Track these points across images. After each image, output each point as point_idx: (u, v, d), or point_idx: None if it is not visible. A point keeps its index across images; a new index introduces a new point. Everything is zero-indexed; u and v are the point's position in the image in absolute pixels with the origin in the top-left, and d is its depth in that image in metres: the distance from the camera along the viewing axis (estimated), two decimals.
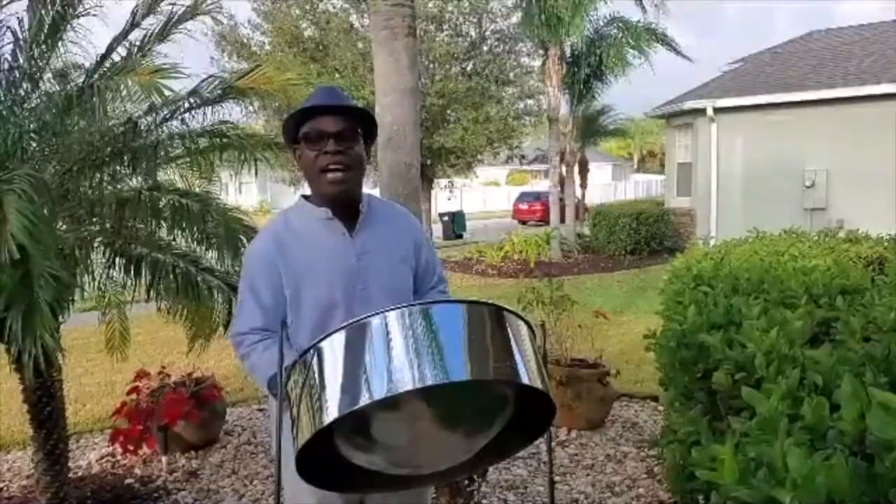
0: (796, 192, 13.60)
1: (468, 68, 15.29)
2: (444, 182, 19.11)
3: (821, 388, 1.61)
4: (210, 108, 3.29)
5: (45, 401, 3.20)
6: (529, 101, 16.01)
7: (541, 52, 15.00)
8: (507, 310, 1.52)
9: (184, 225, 3.23)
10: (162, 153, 3.21)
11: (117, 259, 3.37)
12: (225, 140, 3.38)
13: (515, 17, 15.21)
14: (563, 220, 15.65)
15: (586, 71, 15.46)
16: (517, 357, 1.45)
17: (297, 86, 3.45)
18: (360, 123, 1.93)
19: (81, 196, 3.30)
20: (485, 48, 15.66)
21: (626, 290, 10.28)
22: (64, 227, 3.28)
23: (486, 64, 14.72)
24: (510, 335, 1.47)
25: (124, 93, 2.84)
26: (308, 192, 2.07)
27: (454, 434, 1.62)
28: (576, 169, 17.65)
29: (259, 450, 4.33)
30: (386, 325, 1.41)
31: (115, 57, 3.39)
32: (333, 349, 1.44)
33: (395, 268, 1.99)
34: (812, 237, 4.53)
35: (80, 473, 4.07)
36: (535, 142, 27.18)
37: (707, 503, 2.02)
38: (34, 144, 3.25)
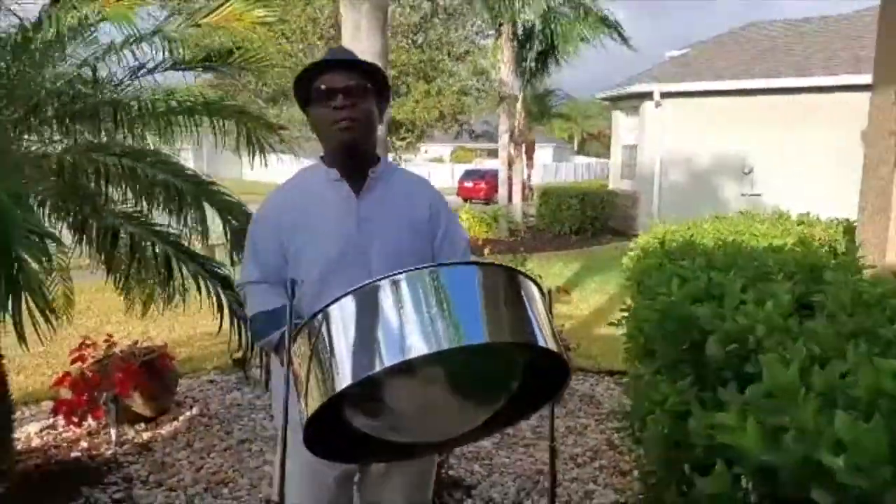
0: (735, 177, 14.08)
1: (419, 41, 15.08)
2: (389, 157, 18.89)
3: (818, 358, 1.63)
4: (174, 61, 3.09)
5: None
6: (481, 77, 15.92)
7: (491, 31, 14.95)
8: (520, 273, 1.48)
9: (137, 188, 3.03)
10: (123, 112, 2.99)
11: (59, 221, 3.14)
12: (188, 102, 3.19)
13: None
14: (510, 199, 15.74)
15: (538, 49, 15.48)
16: (532, 320, 1.41)
17: (269, 24, 3.26)
18: (371, 80, 1.88)
19: (27, 151, 3.08)
20: (436, 21, 15.46)
21: (573, 269, 10.42)
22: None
23: (438, 37, 14.54)
24: (524, 298, 1.43)
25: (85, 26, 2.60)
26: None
27: (466, 401, 1.57)
28: (523, 149, 17.75)
29: (214, 422, 4.19)
30: (397, 287, 1.35)
31: None
32: (343, 314, 1.37)
33: (399, 234, 1.92)
34: (765, 219, 4.66)
35: (18, 447, 3.86)
36: (484, 118, 27.18)
37: (694, 471, 2.06)
38: None
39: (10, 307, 2.04)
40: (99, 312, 7.34)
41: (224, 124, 3.47)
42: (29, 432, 4.10)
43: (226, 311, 3.40)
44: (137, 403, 4.12)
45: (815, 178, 12.92)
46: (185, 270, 3.33)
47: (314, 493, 1.99)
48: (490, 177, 27.43)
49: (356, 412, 1.53)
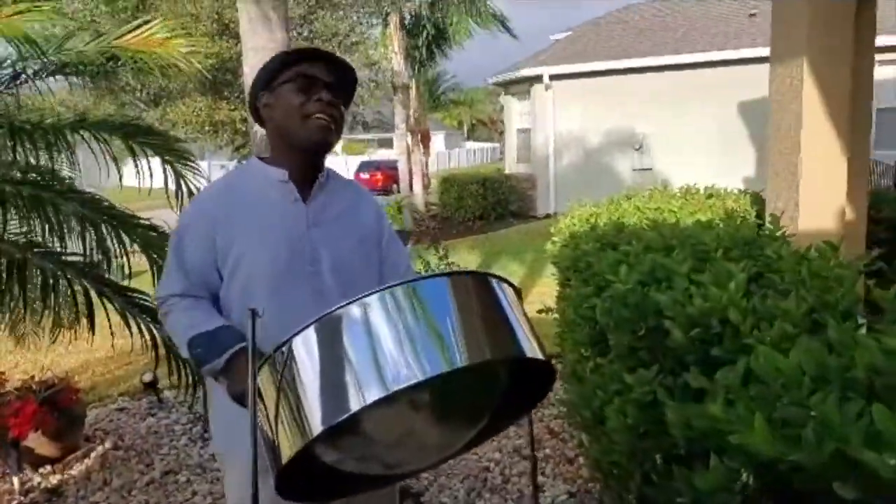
0: (626, 154, 14.63)
1: (306, 34, 14.64)
2: None
3: (793, 337, 1.63)
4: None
5: None
6: (372, 68, 15.67)
7: (376, 20, 14.74)
8: (494, 276, 1.38)
9: (43, 219, 2.69)
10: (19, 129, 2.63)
11: None
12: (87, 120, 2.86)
13: None
14: (410, 188, 15.63)
15: (427, 36, 15.42)
16: (515, 328, 1.32)
17: (195, 54, 3.00)
18: (350, 87, 1.74)
19: None
20: (322, 12, 15.05)
21: (480, 255, 10.48)
22: None
23: (325, 28, 14.17)
24: (503, 304, 1.34)
25: None
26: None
27: (447, 422, 1.46)
28: (419, 137, 17.67)
29: (131, 454, 3.86)
30: (367, 312, 1.21)
31: None
32: (308, 345, 1.22)
33: (350, 247, 1.76)
34: (675, 194, 4.78)
35: None
36: (374, 109, 26.84)
37: (669, 463, 2.04)
38: None
39: None
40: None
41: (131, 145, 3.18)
42: None
43: (152, 338, 3.12)
44: (41, 444, 3.72)
45: (700, 149, 13.67)
46: (108, 306, 3.02)
47: None
48: (385, 167, 27.26)
49: (326, 448, 1.38)
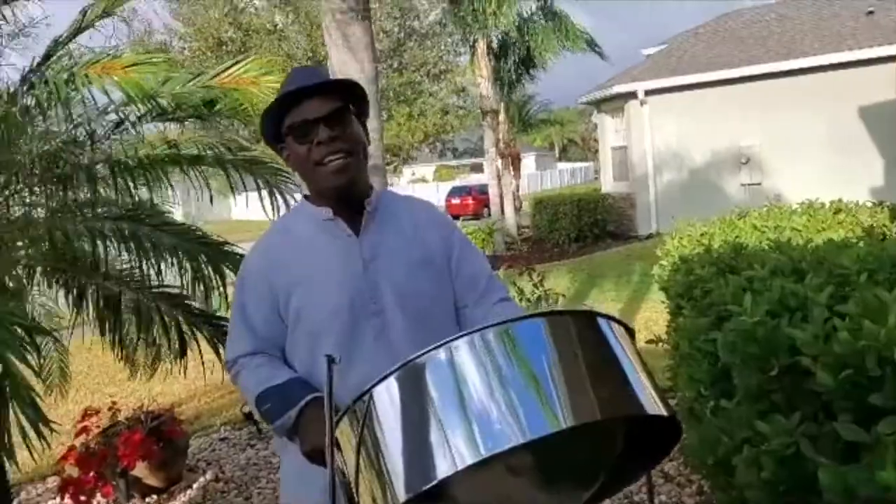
0: (732, 168, 13.90)
1: (395, 65, 14.94)
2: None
3: None
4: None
5: None
6: (460, 95, 15.80)
7: (463, 48, 14.86)
8: (600, 314, 1.18)
9: (139, 253, 2.74)
10: (119, 167, 2.70)
11: (58, 287, 2.85)
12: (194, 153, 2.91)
13: (434, 15, 14.99)
14: (502, 212, 15.50)
15: (515, 59, 15.35)
16: (632, 379, 1.12)
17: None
18: (351, 99, 1.57)
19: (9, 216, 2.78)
20: (410, 44, 15.33)
21: (578, 279, 10.16)
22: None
23: (414, 59, 14.41)
24: (613, 348, 1.15)
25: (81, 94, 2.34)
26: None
27: (552, 487, 1.28)
28: (509, 160, 17.56)
29: (230, 486, 3.87)
30: (453, 358, 1.05)
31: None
32: (391, 397, 1.08)
33: (413, 273, 1.59)
34: (796, 210, 4.39)
35: None
36: (464, 135, 27.07)
37: None
38: None
39: None
40: (100, 371, 7.00)
41: (238, 173, 3.21)
42: None
43: None
44: (147, 474, 3.80)
45: (814, 160, 12.79)
46: (199, 336, 3.04)
47: None
48: (476, 192, 27.25)
49: None
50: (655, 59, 16.33)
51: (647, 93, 14.27)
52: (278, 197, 3.17)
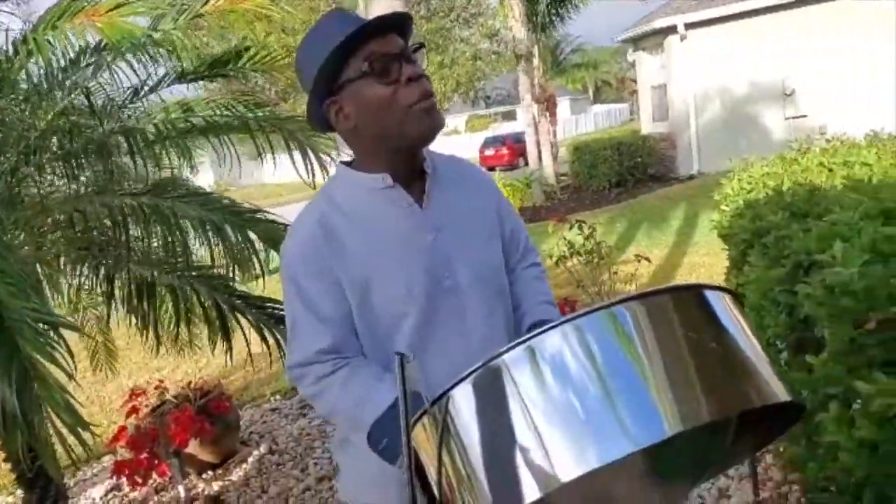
0: (775, 102, 13.29)
1: (422, 12, 14.49)
2: None
3: None
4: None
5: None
6: (493, 39, 15.29)
7: None
8: (709, 286, 0.99)
9: (164, 230, 2.58)
10: (137, 139, 2.55)
11: (88, 274, 2.75)
12: (222, 117, 2.74)
13: None
14: (539, 160, 15.12)
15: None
16: (753, 359, 0.94)
17: (270, 17, 2.79)
18: (408, 34, 1.33)
19: (33, 200, 2.67)
20: None
21: (623, 225, 9.87)
22: (21, 239, 2.66)
23: (442, 4, 13.95)
24: (729, 327, 0.96)
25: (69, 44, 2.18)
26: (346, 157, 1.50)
27: (660, 486, 1.13)
28: (545, 106, 17.06)
29: (285, 459, 3.83)
30: (537, 359, 0.89)
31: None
32: (469, 402, 0.92)
33: (484, 244, 1.42)
34: (861, 144, 4.07)
35: None
36: (496, 83, 26.39)
37: None
38: None
39: (26, 432, 1.58)
40: (144, 346, 7.05)
41: (267, 137, 3.00)
42: (94, 498, 3.81)
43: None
44: (201, 451, 3.78)
45: (860, 90, 12.13)
46: (241, 320, 2.92)
47: None
48: (511, 141, 26.66)
49: None
50: None
51: (688, 26, 13.60)
52: (312, 157, 2.96)
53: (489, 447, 0.90)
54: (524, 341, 0.90)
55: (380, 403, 1.23)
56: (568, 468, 0.83)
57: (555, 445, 0.85)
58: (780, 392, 0.94)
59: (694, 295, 0.97)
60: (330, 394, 1.31)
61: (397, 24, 1.28)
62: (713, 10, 13.50)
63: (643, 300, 0.93)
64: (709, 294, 0.98)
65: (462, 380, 0.92)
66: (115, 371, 4.41)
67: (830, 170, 3.27)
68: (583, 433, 0.85)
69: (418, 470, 1.01)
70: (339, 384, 1.30)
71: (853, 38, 12.20)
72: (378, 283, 1.31)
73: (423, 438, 1.00)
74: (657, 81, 15.15)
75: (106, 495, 3.76)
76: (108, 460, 4.15)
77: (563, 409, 0.86)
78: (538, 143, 14.89)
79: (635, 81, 18.82)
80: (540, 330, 0.90)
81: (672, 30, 13.69)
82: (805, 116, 12.79)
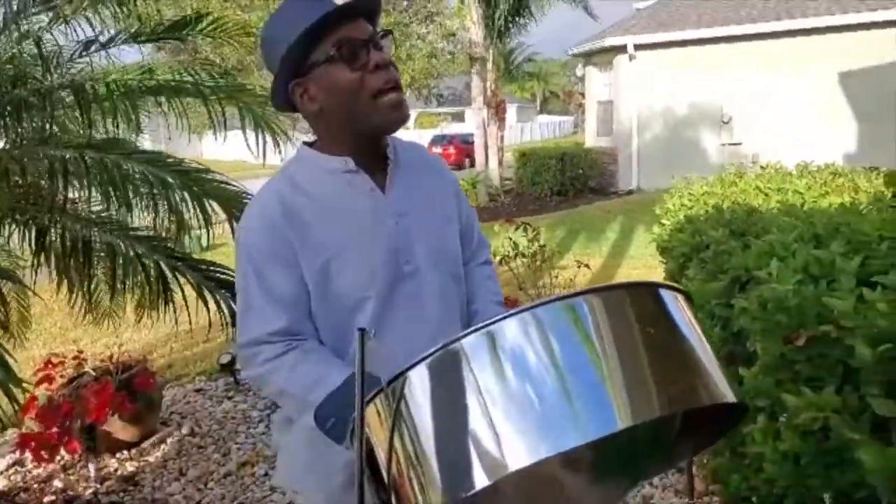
0: (714, 128, 13.83)
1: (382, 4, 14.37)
2: None
3: None
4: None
5: None
6: (449, 40, 15.30)
7: None
8: (664, 285, 1.01)
9: (109, 186, 2.46)
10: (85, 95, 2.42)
11: (17, 227, 2.60)
12: (174, 82, 2.63)
13: None
14: (486, 163, 15.23)
15: (505, 6, 14.85)
16: (703, 358, 0.96)
17: None
18: (376, 18, 1.32)
19: None
20: None
21: (562, 233, 10.04)
22: None
23: None
24: (681, 325, 0.98)
25: None
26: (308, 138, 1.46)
27: (599, 481, 1.14)
28: (494, 111, 17.17)
29: (207, 442, 3.72)
30: (496, 345, 0.89)
31: None
32: (423, 386, 0.91)
33: (442, 230, 1.42)
34: (792, 173, 4.27)
35: None
36: (449, 83, 26.43)
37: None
38: None
39: None
40: (62, 315, 6.73)
41: (222, 107, 2.89)
42: None
43: (232, 315, 2.90)
44: (117, 428, 3.62)
45: (791, 123, 12.83)
46: (181, 281, 2.81)
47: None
48: (458, 141, 26.83)
49: None
50: (647, 13, 15.96)
51: (637, 47, 14.01)
52: (265, 134, 2.87)
53: (441, 431, 0.89)
54: (483, 326, 0.89)
55: (330, 383, 1.21)
56: (519, 456, 0.83)
57: (507, 433, 0.84)
58: (727, 393, 0.96)
59: (650, 292, 0.99)
60: (279, 375, 1.28)
61: (367, 10, 1.28)
62: (661, 34, 13.96)
63: (601, 293, 0.94)
64: (664, 292, 0.99)
65: (419, 362, 0.91)
66: (25, 339, 4.17)
67: (766, 194, 3.41)
68: (536, 422, 0.84)
69: (367, 453, 0.99)
70: (289, 365, 1.27)
71: (787, 73, 12.86)
72: (339, 266, 1.29)
73: (376, 420, 0.98)
74: (604, 97, 15.49)
75: (7, 470, 3.56)
76: (13, 434, 3.92)
77: (517, 397, 0.86)
78: (486, 146, 15.00)
79: (583, 95, 19.17)
80: (500, 317, 0.89)
81: (622, 49, 14.05)
82: (740, 144, 13.36)
